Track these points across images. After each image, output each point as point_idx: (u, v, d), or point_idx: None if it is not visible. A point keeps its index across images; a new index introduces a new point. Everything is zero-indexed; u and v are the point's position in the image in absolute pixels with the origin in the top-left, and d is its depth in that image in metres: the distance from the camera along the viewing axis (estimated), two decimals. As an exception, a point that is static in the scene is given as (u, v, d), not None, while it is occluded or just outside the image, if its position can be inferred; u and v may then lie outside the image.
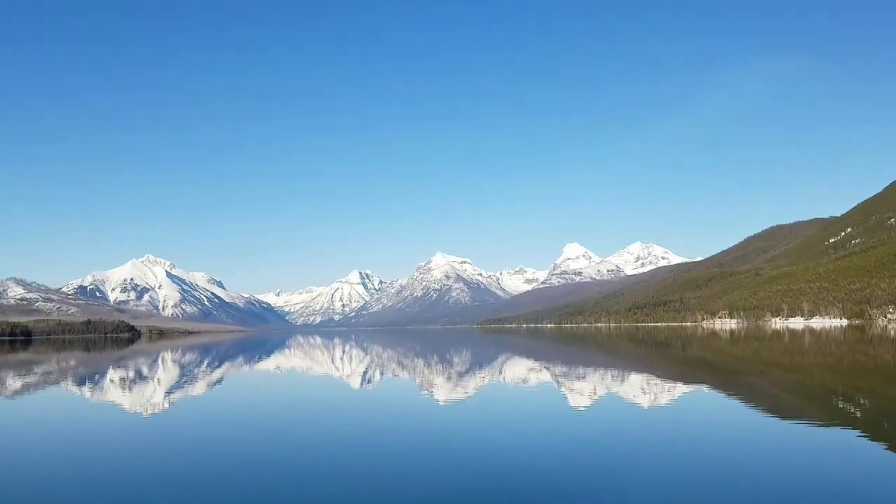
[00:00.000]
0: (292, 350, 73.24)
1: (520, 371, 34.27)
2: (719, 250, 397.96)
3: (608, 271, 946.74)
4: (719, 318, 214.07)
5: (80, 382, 33.65)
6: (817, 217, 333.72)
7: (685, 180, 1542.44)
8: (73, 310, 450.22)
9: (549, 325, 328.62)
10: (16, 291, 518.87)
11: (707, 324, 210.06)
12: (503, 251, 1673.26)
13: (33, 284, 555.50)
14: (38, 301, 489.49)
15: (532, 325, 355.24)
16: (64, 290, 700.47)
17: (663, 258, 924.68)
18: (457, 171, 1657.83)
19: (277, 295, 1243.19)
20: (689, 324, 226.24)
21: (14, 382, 33.80)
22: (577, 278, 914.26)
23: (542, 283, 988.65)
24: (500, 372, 34.22)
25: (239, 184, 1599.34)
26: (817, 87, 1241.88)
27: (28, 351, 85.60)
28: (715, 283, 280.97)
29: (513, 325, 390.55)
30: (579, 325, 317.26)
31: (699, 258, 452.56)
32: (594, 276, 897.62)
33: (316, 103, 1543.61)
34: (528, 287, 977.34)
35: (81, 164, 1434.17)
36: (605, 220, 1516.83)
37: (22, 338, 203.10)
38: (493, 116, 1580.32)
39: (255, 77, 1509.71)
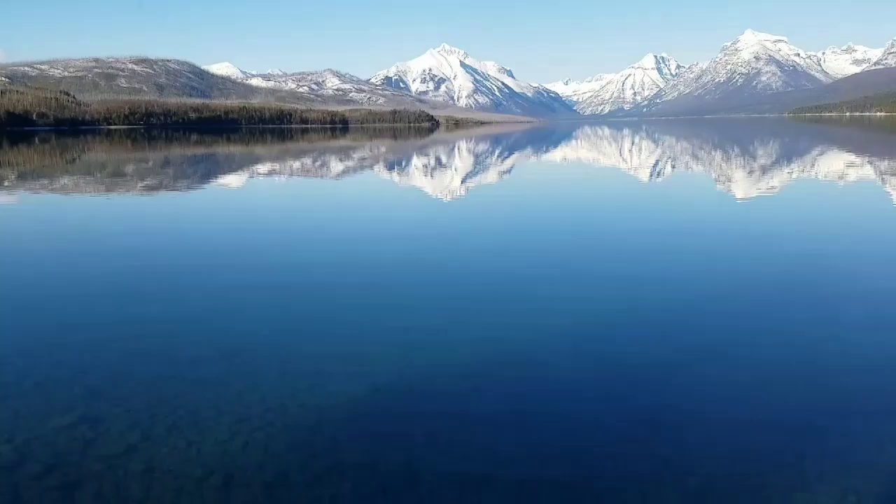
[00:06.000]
0: (579, 141, 73.02)
1: (836, 166, 30.07)
2: None
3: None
4: None
5: (391, 168, 37.71)
6: None
7: None
8: (381, 100, 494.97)
9: (879, 114, 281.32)
10: (333, 82, 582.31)
11: None
12: (828, 27, 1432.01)
13: (347, 76, 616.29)
14: (351, 91, 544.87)
15: (857, 114, 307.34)
16: (372, 80, 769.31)
17: None
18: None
19: (566, 84, 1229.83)
20: None
21: (338, 165, 38.89)
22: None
23: (875, 63, 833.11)
24: (813, 166, 30.44)
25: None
26: None
27: (346, 138, 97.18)
28: None
29: (833, 114, 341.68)
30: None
31: None
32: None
33: None
34: (857, 69, 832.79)
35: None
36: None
37: (340, 126, 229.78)
38: None
39: None
